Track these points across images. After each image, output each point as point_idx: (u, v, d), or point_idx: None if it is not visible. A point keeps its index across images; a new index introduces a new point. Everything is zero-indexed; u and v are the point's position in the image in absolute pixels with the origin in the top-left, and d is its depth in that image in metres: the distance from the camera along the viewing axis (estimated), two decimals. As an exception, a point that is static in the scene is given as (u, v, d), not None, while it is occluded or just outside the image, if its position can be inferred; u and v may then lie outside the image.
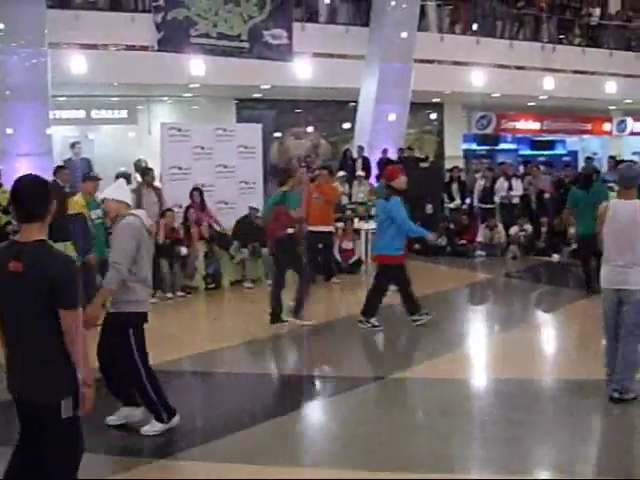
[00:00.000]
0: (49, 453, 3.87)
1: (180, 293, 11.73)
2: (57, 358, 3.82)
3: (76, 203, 9.74)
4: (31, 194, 3.86)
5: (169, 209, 12.16)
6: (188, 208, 12.41)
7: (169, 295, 11.52)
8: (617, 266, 6.45)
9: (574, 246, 13.59)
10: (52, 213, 3.92)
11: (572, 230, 13.01)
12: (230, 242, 12.65)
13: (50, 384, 3.80)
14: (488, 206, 16.30)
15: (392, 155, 18.71)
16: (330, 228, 12.89)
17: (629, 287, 6.38)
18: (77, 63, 15.51)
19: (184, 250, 11.81)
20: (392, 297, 9.79)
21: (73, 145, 15.91)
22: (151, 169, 13.25)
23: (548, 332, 9.93)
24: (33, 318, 3.77)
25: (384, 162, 18.38)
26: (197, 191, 12.63)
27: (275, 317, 9.75)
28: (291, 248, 9.98)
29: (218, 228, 12.80)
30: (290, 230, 9.89)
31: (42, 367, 3.80)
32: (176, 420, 6.02)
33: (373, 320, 9.46)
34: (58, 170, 12.40)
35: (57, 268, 3.79)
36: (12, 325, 3.84)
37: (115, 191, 6.16)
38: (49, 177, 12.43)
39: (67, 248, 8.53)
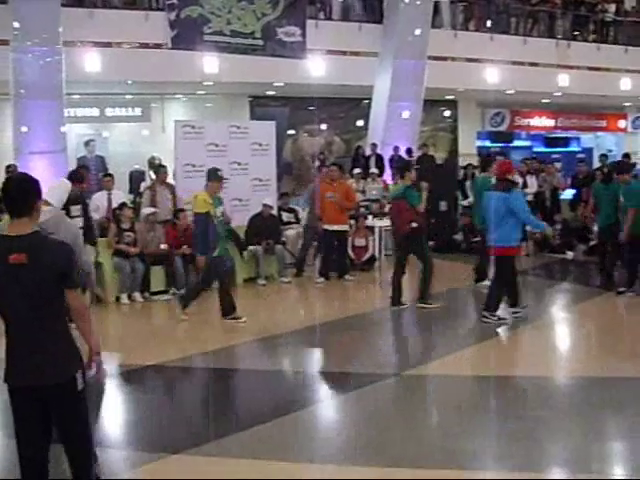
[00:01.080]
0: (76, 425, 4.17)
1: (194, 290, 11.74)
2: (65, 337, 4.10)
3: (204, 202, 9.71)
4: (20, 191, 4.09)
5: (181, 209, 12.16)
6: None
7: (182, 292, 11.54)
8: None
9: (593, 242, 13.62)
10: (39, 209, 4.16)
11: (595, 227, 12.99)
12: (243, 244, 12.63)
13: (64, 362, 4.06)
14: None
15: (403, 153, 18.72)
16: (345, 227, 12.86)
17: None
18: (91, 61, 15.56)
19: None
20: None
21: (87, 143, 16.00)
22: (164, 166, 13.28)
23: (563, 329, 9.90)
24: (42, 304, 3.99)
25: (395, 159, 18.46)
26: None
27: (395, 300, 10.50)
28: (417, 241, 10.33)
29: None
30: (414, 224, 10.16)
31: (55, 349, 4.04)
32: None
33: (499, 313, 9.53)
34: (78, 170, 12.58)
35: (61, 254, 4.07)
36: (19, 315, 4.01)
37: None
38: (64, 174, 12.56)
39: None
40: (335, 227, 12.64)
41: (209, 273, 9.89)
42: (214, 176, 9.93)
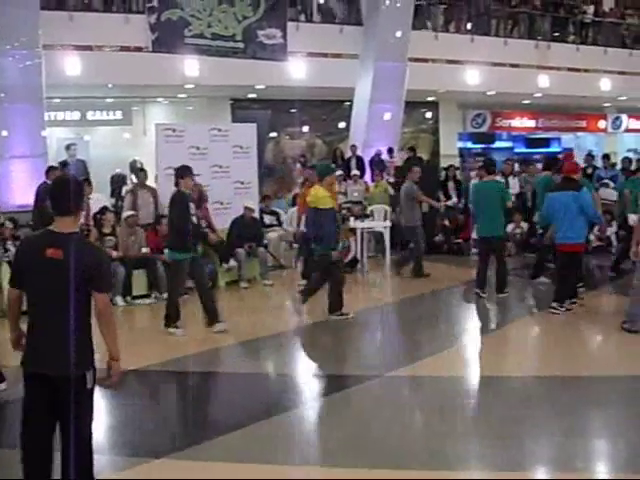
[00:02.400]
0: (79, 419, 4.25)
1: (176, 294, 11.67)
2: (83, 336, 4.28)
3: (328, 198, 9.86)
4: (65, 191, 4.36)
5: (163, 215, 12.12)
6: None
7: (165, 296, 11.48)
8: None
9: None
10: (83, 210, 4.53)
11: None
12: (224, 251, 12.56)
13: (77, 358, 4.21)
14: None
15: (384, 155, 18.81)
16: None
17: None
18: (71, 64, 15.53)
19: None
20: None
21: (68, 147, 15.92)
22: (144, 170, 13.25)
23: (543, 330, 9.92)
24: (67, 300, 4.17)
25: (377, 161, 18.56)
26: (195, 187, 12.55)
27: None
28: None
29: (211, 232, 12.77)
30: None
31: (71, 343, 4.19)
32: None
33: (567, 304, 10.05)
34: (50, 170, 12.40)
35: (95, 256, 4.37)
36: (44, 305, 4.26)
37: None
38: (43, 178, 12.50)
39: None
40: None
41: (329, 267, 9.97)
42: (330, 170, 10.37)
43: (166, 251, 9.76)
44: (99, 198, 12.67)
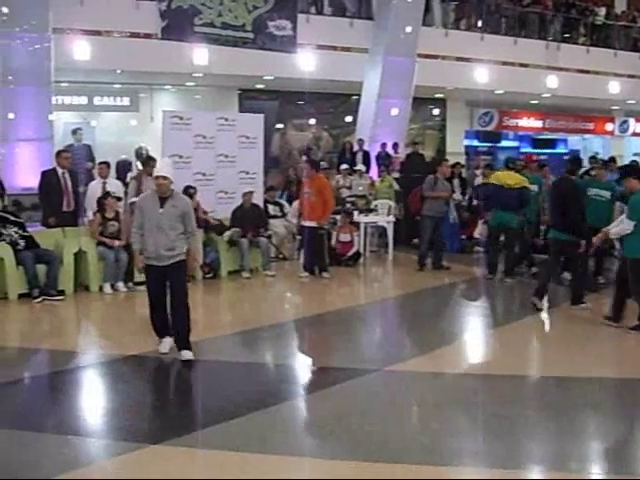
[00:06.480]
0: None
1: (178, 282, 11.65)
2: None
3: (523, 180, 11.92)
4: None
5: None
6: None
7: (167, 283, 11.47)
8: None
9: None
10: None
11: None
12: (219, 227, 12.56)
13: None
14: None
15: (390, 149, 18.80)
16: (312, 224, 12.45)
17: None
18: (80, 49, 15.55)
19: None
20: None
21: (75, 131, 15.94)
22: (153, 159, 13.22)
23: (542, 330, 9.91)
24: None
25: (383, 156, 18.55)
26: (193, 189, 12.52)
27: None
28: None
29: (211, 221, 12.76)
30: None
31: None
32: None
33: None
34: (57, 154, 12.37)
35: None
36: None
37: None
38: (50, 163, 12.50)
39: None
40: (307, 223, 12.54)
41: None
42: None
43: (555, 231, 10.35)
44: (114, 183, 12.60)
